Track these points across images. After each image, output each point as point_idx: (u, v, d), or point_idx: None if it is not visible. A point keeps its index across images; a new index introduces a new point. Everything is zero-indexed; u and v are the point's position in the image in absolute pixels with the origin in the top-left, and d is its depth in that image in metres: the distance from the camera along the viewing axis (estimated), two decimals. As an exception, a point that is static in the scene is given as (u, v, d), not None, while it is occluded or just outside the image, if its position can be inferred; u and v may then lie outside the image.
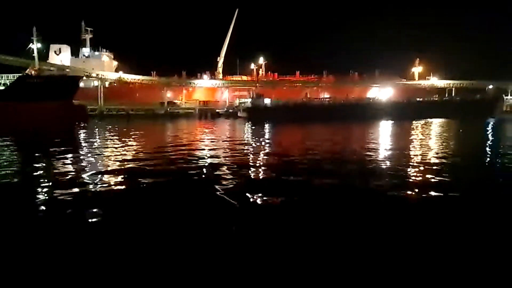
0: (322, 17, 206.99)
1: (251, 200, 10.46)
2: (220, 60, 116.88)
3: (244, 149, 23.03)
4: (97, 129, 43.68)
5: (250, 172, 14.95)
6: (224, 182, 12.81)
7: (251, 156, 19.95)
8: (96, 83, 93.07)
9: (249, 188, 11.83)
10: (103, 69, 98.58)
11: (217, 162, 17.59)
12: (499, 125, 50.83)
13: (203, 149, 23.49)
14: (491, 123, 54.40)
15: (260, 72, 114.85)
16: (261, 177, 14.12)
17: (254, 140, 29.97)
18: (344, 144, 26.88)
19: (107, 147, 23.77)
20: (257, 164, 16.96)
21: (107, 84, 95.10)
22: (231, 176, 13.93)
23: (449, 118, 64.99)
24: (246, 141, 29.02)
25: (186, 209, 9.73)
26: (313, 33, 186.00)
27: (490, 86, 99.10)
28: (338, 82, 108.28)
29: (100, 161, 17.59)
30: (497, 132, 39.29)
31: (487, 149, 24.56)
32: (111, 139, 29.53)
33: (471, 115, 66.28)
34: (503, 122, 57.21)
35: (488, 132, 39.09)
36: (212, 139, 31.16)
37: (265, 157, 19.74)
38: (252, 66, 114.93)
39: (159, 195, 11.10)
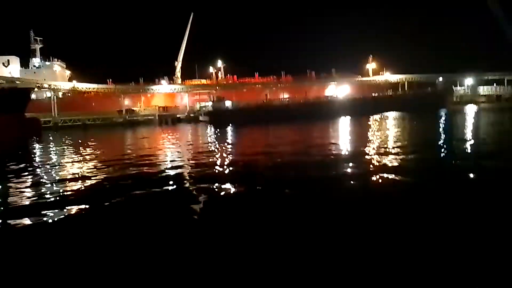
0: (277, 18, 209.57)
1: (221, 203, 10.52)
2: (178, 64, 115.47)
3: (209, 154, 22.96)
4: (52, 142, 42.04)
5: (217, 177, 14.95)
6: (190, 190, 12.77)
7: (217, 160, 19.92)
8: (49, 94, 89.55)
9: (217, 192, 11.86)
10: (55, 79, 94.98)
11: (181, 170, 17.44)
12: (449, 116, 53.64)
13: (167, 157, 23.24)
14: (443, 114, 57.23)
15: (220, 75, 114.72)
16: (229, 180, 14.16)
17: (218, 144, 29.92)
18: (307, 141, 27.36)
19: (63, 162, 22.92)
20: (224, 168, 16.99)
21: (60, 94, 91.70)
22: (197, 183, 13.88)
23: (403, 111, 67.69)
24: (209, 146, 28.92)
25: (155, 220, 9.63)
26: (270, 34, 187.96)
27: (440, 79, 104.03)
28: (297, 82, 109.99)
29: (56, 178, 16.87)
30: (447, 123, 41.46)
31: (439, 138, 25.87)
32: (67, 153, 28.52)
33: (424, 107, 69.33)
34: (453, 113, 60.34)
35: (439, 123, 41.13)
36: (174, 145, 30.84)
37: (232, 159, 19.78)
38: (211, 69, 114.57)
39: (126, 211, 10.87)
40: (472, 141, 21.99)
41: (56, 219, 9.93)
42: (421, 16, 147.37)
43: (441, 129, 33.04)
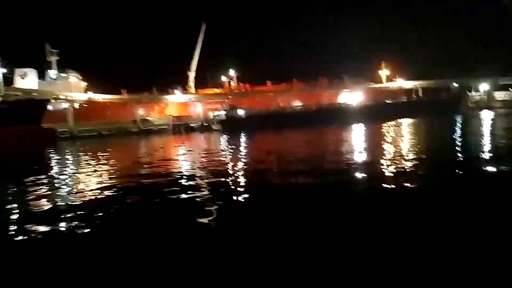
0: (287, 24, 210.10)
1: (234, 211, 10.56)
2: (191, 74, 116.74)
3: (222, 163, 23.09)
4: (68, 152, 42.73)
5: (232, 184, 15.01)
6: (203, 199, 12.84)
7: (231, 169, 19.97)
8: (65, 105, 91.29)
9: (232, 201, 11.92)
10: (71, 90, 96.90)
11: (197, 176, 17.57)
12: (464, 121, 52.92)
13: (182, 166, 23.44)
14: (457, 119, 56.46)
15: (232, 83, 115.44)
16: (245, 189, 14.20)
17: (231, 152, 30.04)
18: (321, 149, 27.26)
19: (80, 171, 23.25)
20: (239, 176, 17.05)
21: (76, 105, 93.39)
22: (211, 192, 13.94)
23: (417, 117, 67.02)
24: (224, 154, 29.05)
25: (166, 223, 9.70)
26: (281, 42, 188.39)
27: (454, 84, 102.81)
28: (309, 89, 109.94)
29: (73, 188, 17.09)
30: (462, 128, 40.95)
31: (453, 143, 25.53)
32: (83, 162, 28.96)
33: (438, 113, 68.55)
34: (468, 117, 59.48)
35: (454, 128, 40.56)
36: (188, 153, 31.09)
37: (245, 168, 19.83)
38: (224, 78, 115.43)
39: (143, 219, 10.99)
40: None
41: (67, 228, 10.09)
42: (433, 18, 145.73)
43: (454, 135, 32.42)
